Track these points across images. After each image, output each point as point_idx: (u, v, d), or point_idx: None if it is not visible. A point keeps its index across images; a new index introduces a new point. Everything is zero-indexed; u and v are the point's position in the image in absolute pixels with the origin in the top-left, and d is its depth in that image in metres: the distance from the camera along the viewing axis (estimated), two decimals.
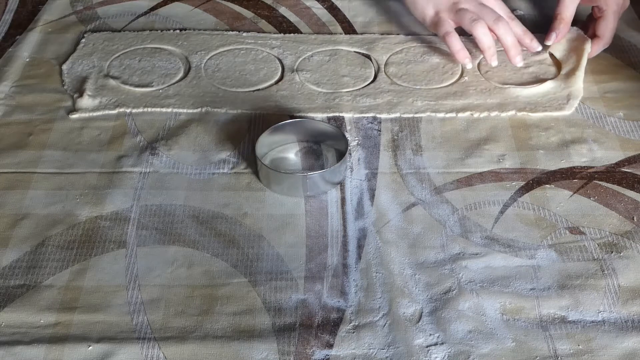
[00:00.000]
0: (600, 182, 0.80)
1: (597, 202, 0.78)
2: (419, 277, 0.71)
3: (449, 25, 0.94)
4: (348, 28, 1.04)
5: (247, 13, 1.07)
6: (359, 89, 0.93)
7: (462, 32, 0.95)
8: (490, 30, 0.92)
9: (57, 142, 0.85)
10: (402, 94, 0.92)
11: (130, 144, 0.85)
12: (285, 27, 1.05)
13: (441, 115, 0.89)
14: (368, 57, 0.98)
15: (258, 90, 0.93)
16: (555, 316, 0.67)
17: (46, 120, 0.88)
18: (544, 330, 0.66)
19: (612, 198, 0.78)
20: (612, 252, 0.73)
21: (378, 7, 1.08)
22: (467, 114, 0.89)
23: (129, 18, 1.06)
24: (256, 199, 0.79)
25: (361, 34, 1.03)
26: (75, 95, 0.91)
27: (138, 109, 0.90)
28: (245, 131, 0.87)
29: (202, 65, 0.97)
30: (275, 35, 1.02)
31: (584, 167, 0.82)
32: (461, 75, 0.95)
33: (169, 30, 1.03)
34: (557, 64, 0.95)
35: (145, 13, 1.07)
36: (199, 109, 0.90)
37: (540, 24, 1.02)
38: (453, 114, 0.89)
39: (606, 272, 0.71)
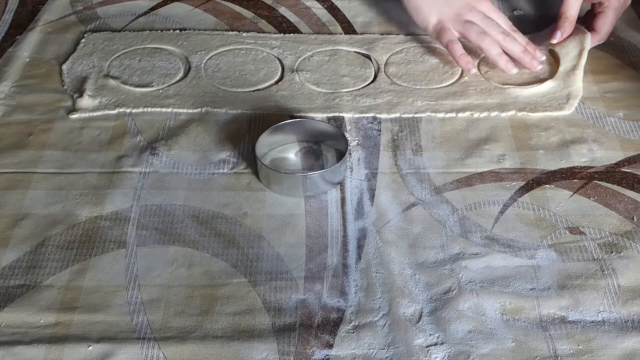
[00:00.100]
0: (600, 182, 0.80)
1: (597, 202, 0.78)
2: (419, 277, 0.71)
3: (452, 34, 0.94)
4: (348, 28, 1.04)
5: (247, 13, 1.07)
6: (359, 89, 0.93)
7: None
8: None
9: (57, 142, 0.85)
10: (402, 94, 0.92)
11: (130, 144, 0.85)
12: (285, 27, 1.05)
13: (441, 115, 0.89)
14: (368, 57, 0.98)
15: (258, 90, 0.93)
16: (555, 316, 0.67)
17: (46, 120, 0.88)
18: (544, 330, 0.66)
19: (612, 198, 0.78)
20: (612, 252, 0.73)
21: (378, 7, 1.08)
22: (467, 114, 0.89)
23: (129, 18, 1.06)
24: (256, 199, 0.79)
25: (361, 34, 1.03)
26: (75, 95, 0.91)
27: (138, 109, 0.90)
28: (245, 131, 0.87)
29: (202, 65, 0.97)
30: (275, 35, 1.02)
31: (584, 167, 0.82)
32: (461, 76, 0.95)
33: (169, 30, 1.03)
34: (556, 60, 0.95)
35: (145, 13, 1.07)
36: (199, 109, 0.90)
37: (540, 24, 1.02)
38: (453, 114, 0.89)
39: (606, 272, 0.71)
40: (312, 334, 0.66)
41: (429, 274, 0.71)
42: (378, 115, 0.89)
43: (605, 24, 0.96)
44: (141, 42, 1.01)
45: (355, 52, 0.99)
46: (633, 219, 0.76)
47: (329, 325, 0.67)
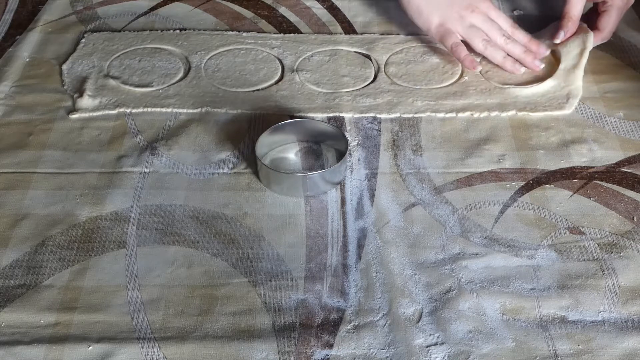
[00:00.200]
0: (600, 182, 0.80)
1: (597, 202, 0.78)
2: (419, 277, 0.71)
3: (456, 37, 0.94)
4: (348, 28, 1.04)
5: (247, 13, 1.07)
6: (359, 89, 0.93)
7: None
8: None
9: (57, 142, 0.85)
10: (402, 94, 0.92)
11: (130, 144, 0.85)
12: (285, 27, 1.05)
13: (441, 115, 0.89)
14: (368, 57, 0.98)
15: (258, 90, 0.93)
16: (555, 316, 0.67)
17: (46, 120, 0.88)
18: (544, 330, 0.66)
19: (612, 198, 0.78)
20: (612, 252, 0.73)
21: (378, 7, 1.08)
22: (467, 114, 0.89)
23: (129, 18, 1.06)
24: (256, 199, 0.79)
25: (361, 34, 1.03)
26: (75, 95, 0.91)
27: (138, 109, 0.90)
28: (245, 131, 0.87)
29: (202, 65, 0.97)
30: (275, 35, 1.02)
31: (584, 167, 0.82)
32: (461, 75, 0.95)
33: (169, 30, 1.03)
34: (556, 59, 0.95)
35: (145, 13, 1.07)
36: (199, 109, 0.90)
37: (540, 24, 1.02)
38: (453, 114, 0.89)
39: (606, 272, 0.71)
40: (312, 334, 0.66)
41: (429, 274, 0.71)
42: (378, 115, 0.89)
43: (609, 22, 0.96)
44: (141, 42, 1.01)
45: (355, 52, 0.99)
46: (633, 219, 0.76)
47: (329, 325, 0.67)
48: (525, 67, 0.94)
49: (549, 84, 0.92)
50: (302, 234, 0.75)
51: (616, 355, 0.64)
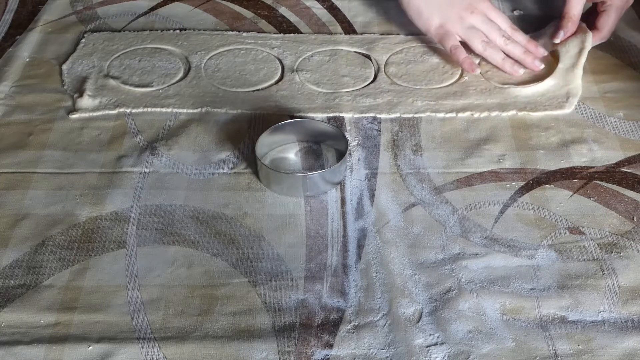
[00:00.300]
0: (600, 182, 0.80)
1: (597, 202, 0.78)
2: (419, 277, 0.71)
3: (455, 39, 0.94)
4: (348, 28, 1.04)
5: (247, 13, 1.07)
6: (359, 89, 0.93)
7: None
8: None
9: (57, 142, 0.85)
10: (402, 94, 0.92)
11: (130, 144, 0.85)
12: (285, 27, 1.05)
13: (441, 115, 0.89)
14: (368, 57, 0.98)
15: (258, 90, 0.93)
16: (555, 316, 0.67)
17: (46, 120, 0.88)
18: (544, 330, 0.66)
19: (612, 198, 0.78)
20: (612, 252, 0.73)
21: (378, 7, 1.08)
22: (467, 114, 0.89)
23: (129, 18, 1.06)
24: (256, 199, 0.79)
25: (361, 34, 1.03)
26: (75, 95, 0.91)
27: (138, 109, 0.90)
28: (245, 131, 0.87)
29: (202, 65, 0.97)
30: (275, 35, 1.02)
31: (584, 167, 0.82)
32: (461, 75, 0.95)
33: (169, 30, 1.03)
34: (555, 58, 0.95)
35: (145, 13, 1.07)
36: (199, 109, 0.90)
37: (540, 24, 1.02)
38: (453, 114, 0.89)
39: (606, 272, 0.71)
40: (312, 334, 0.66)
41: (429, 274, 0.71)
42: (378, 115, 0.89)
43: (608, 22, 0.96)
44: (141, 42, 1.01)
45: (355, 52, 0.99)
46: (633, 219, 0.76)
47: (329, 325, 0.67)
48: (525, 67, 0.94)
49: (548, 83, 0.92)
50: (302, 234, 0.75)
51: (616, 355, 0.64)
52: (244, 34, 1.02)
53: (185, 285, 0.70)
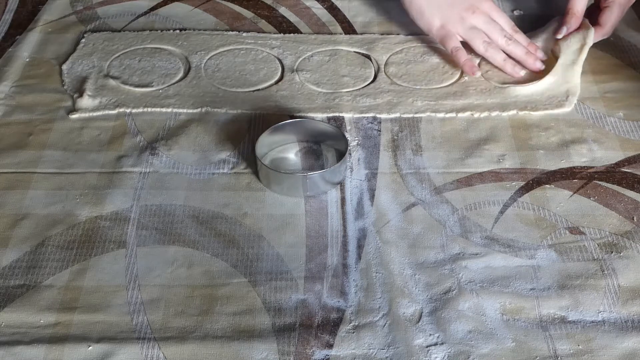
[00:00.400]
0: (600, 182, 0.80)
1: (597, 202, 0.78)
2: (419, 277, 0.71)
3: (456, 40, 0.94)
4: (348, 28, 1.04)
5: (247, 13, 1.07)
6: (359, 89, 0.93)
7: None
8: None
9: (57, 142, 0.85)
10: (402, 94, 0.92)
11: (130, 144, 0.85)
12: (285, 27, 1.05)
13: (441, 115, 0.89)
14: (368, 57, 0.98)
15: (258, 90, 0.93)
16: (555, 316, 0.67)
17: (46, 120, 0.88)
18: (544, 330, 0.66)
19: (612, 198, 0.78)
20: (612, 252, 0.73)
21: (378, 7, 1.08)
22: (467, 114, 0.89)
23: (129, 18, 1.06)
24: (256, 199, 0.79)
25: (361, 34, 1.03)
26: (75, 95, 0.91)
27: (138, 109, 0.90)
28: (245, 131, 0.87)
29: (202, 65, 0.97)
30: (275, 35, 1.02)
31: (584, 167, 0.82)
32: (461, 75, 0.95)
33: (169, 30, 1.03)
34: (555, 54, 0.95)
35: (145, 13, 1.07)
36: (199, 109, 0.90)
37: (540, 24, 1.02)
38: (453, 114, 0.89)
39: (606, 272, 0.71)
40: (312, 334, 0.66)
41: (429, 274, 0.71)
42: (378, 115, 0.89)
43: (611, 18, 0.96)
44: (141, 42, 1.01)
45: (355, 52, 0.99)
46: (633, 219, 0.76)
47: (329, 325, 0.67)
48: (527, 68, 0.93)
49: (547, 81, 0.92)
50: (302, 234, 0.75)
51: (616, 355, 0.64)
52: (244, 34, 1.02)
53: (185, 285, 0.70)
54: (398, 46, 1.00)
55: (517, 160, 0.83)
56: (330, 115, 0.89)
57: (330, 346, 0.65)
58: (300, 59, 0.98)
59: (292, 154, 0.84)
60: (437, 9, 0.95)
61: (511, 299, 0.69)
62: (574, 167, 0.82)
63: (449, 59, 0.96)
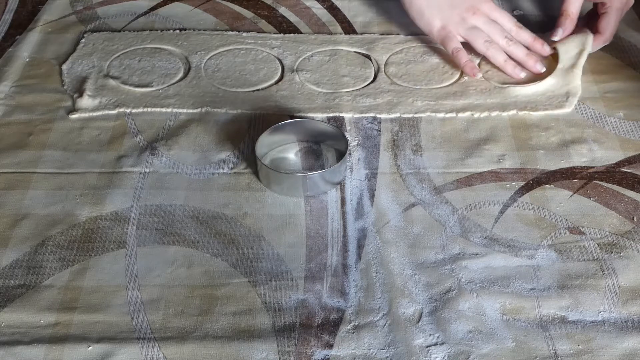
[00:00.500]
0: (600, 182, 0.80)
1: (597, 202, 0.78)
2: (419, 277, 0.71)
3: (457, 41, 0.94)
4: (348, 28, 1.04)
5: (247, 13, 1.07)
6: (359, 89, 0.93)
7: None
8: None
9: (57, 142, 0.85)
10: (402, 94, 0.92)
11: (130, 144, 0.85)
12: (285, 27, 1.05)
13: (441, 115, 0.89)
14: (368, 57, 0.98)
15: (258, 90, 0.93)
16: (555, 316, 0.67)
17: (46, 120, 0.88)
18: (544, 330, 0.66)
19: (612, 198, 0.78)
20: (612, 252, 0.73)
21: (378, 7, 1.08)
22: (467, 114, 0.89)
23: (129, 18, 1.06)
24: (256, 199, 0.79)
25: (361, 34, 1.03)
26: (75, 95, 0.91)
27: (138, 109, 0.90)
28: (245, 131, 0.87)
29: (202, 65, 0.97)
30: (275, 35, 1.02)
31: (584, 167, 0.82)
32: (461, 75, 0.95)
33: (169, 30, 1.03)
34: (555, 58, 0.95)
35: (145, 13, 1.07)
36: (199, 109, 0.90)
37: (541, 24, 1.02)
38: (453, 114, 0.89)
39: (606, 272, 0.71)
40: (312, 334, 0.66)
41: (429, 274, 0.71)
42: (378, 115, 0.89)
43: (609, 24, 0.96)
44: (141, 42, 1.01)
45: (355, 52, 0.99)
46: (633, 219, 0.76)
47: (329, 325, 0.67)
48: (527, 69, 0.93)
49: (548, 83, 0.92)
50: (302, 234, 0.75)
51: (616, 355, 0.64)
52: (244, 34, 1.02)
53: (185, 285, 0.70)
54: (398, 46, 1.00)
55: (517, 160, 0.83)
56: (330, 115, 0.89)
57: (330, 346, 0.65)
58: (300, 59, 0.98)
59: (292, 154, 0.84)
60: (437, 10, 0.95)
61: (511, 299, 0.69)
62: (574, 167, 0.82)
63: (449, 59, 0.96)
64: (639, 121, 0.88)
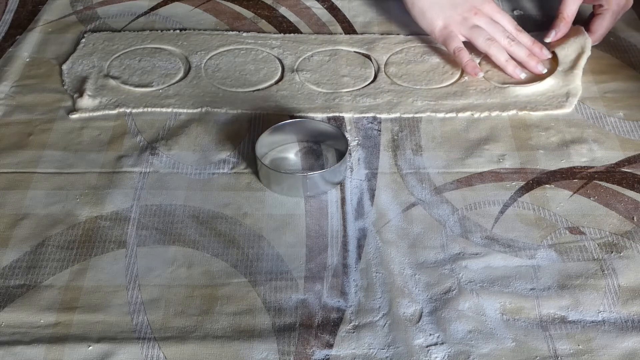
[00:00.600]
0: (600, 182, 0.80)
1: (597, 202, 0.78)
2: (419, 277, 0.71)
3: (459, 41, 0.94)
4: (348, 28, 1.04)
5: (247, 13, 1.07)
6: (359, 89, 0.93)
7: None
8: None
9: (57, 142, 0.85)
10: (402, 94, 0.92)
11: (130, 144, 0.85)
12: (285, 27, 1.05)
13: (441, 115, 0.89)
14: (368, 57, 0.98)
15: (258, 90, 0.93)
16: (555, 316, 0.67)
17: (46, 120, 0.88)
18: (544, 330, 0.66)
19: (612, 198, 0.78)
20: (612, 252, 0.73)
21: (378, 7, 1.08)
22: (468, 114, 0.89)
23: (129, 18, 1.06)
24: (256, 199, 0.79)
25: (361, 34, 1.03)
26: (75, 95, 0.91)
27: (138, 109, 0.90)
28: (245, 131, 0.87)
29: (202, 65, 0.97)
30: (275, 35, 1.02)
31: (584, 167, 0.82)
32: (461, 75, 0.95)
33: (169, 30, 1.03)
34: (555, 60, 0.95)
35: (145, 13, 1.07)
36: (199, 109, 0.90)
37: (540, 24, 1.02)
38: (453, 114, 0.89)
39: (606, 272, 0.71)
40: (312, 334, 0.66)
41: (429, 274, 0.71)
42: (378, 115, 0.89)
43: (602, 26, 0.96)
44: (141, 42, 1.01)
45: (355, 52, 0.99)
46: (633, 219, 0.76)
47: (329, 325, 0.67)
48: (528, 70, 0.93)
49: (548, 83, 0.92)
50: (302, 234, 0.75)
51: (616, 355, 0.64)
52: (244, 34, 1.02)
53: (185, 285, 0.70)
54: (398, 46, 1.00)
55: (517, 160, 0.83)
56: (330, 115, 0.89)
57: (331, 346, 0.65)
58: (301, 59, 0.98)
59: (292, 154, 0.84)
60: (439, 10, 0.95)
61: (511, 299, 0.69)
62: (574, 167, 0.82)
63: (449, 59, 0.96)
64: (639, 121, 0.88)
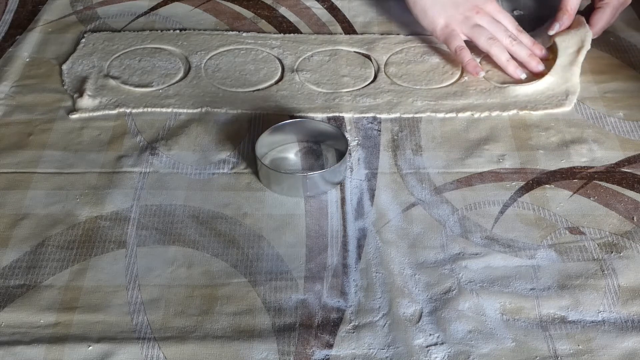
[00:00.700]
0: (600, 182, 0.80)
1: (597, 202, 0.78)
2: (419, 277, 0.71)
3: (460, 39, 0.94)
4: (348, 28, 1.04)
5: (247, 13, 1.07)
6: (359, 89, 0.93)
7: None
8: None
9: (57, 142, 0.85)
10: (402, 94, 0.92)
11: (130, 144, 0.85)
12: (285, 27, 1.05)
13: (441, 115, 0.89)
14: (368, 57, 0.98)
15: (258, 90, 0.93)
16: (555, 316, 0.67)
17: (46, 120, 0.88)
18: (544, 330, 0.66)
19: (612, 198, 0.78)
20: (612, 252, 0.73)
21: (378, 7, 1.08)
22: (467, 114, 0.89)
23: (129, 18, 1.06)
24: (256, 199, 0.79)
25: (361, 34, 1.03)
26: (75, 95, 0.91)
27: (138, 109, 0.90)
28: (245, 131, 0.87)
29: (202, 65, 0.97)
30: (275, 35, 1.02)
31: (584, 167, 0.82)
32: (461, 75, 0.95)
33: (169, 30, 1.03)
34: (554, 53, 0.95)
35: (145, 13, 1.07)
36: (199, 109, 0.90)
37: (541, 24, 1.02)
38: (453, 114, 0.89)
39: (606, 272, 0.71)
40: (312, 334, 0.66)
41: (429, 274, 0.71)
42: (378, 115, 0.89)
43: (602, 19, 0.96)
44: (141, 42, 1.01)
45: (355, 52, 0.99)
46: (633, 219, 0.76)
47: (329, 325, 0.67)
48: (529, 70, 0.93)
49: (547, 81, 0.92)
50: (302, 234, 0.75)
51: (616, 355, 0.64)
52: (244, 34, 1.02)
53: (185, 285, 0.70)
54: (398, 46, 1.00)
55: (517, 160, 0.83)
56: (330, 115, 0.89)
57: (330, 346, 0.65)
58: (300, 59, 0.98)
59: (292, 154, 0.84)
60: (441, 9, 0.95)
61: (511, 299, 0.69)
62: (574, 167, 0.82)
63: (449, 59, 0.96)
64: (639, 121, 0.88)
